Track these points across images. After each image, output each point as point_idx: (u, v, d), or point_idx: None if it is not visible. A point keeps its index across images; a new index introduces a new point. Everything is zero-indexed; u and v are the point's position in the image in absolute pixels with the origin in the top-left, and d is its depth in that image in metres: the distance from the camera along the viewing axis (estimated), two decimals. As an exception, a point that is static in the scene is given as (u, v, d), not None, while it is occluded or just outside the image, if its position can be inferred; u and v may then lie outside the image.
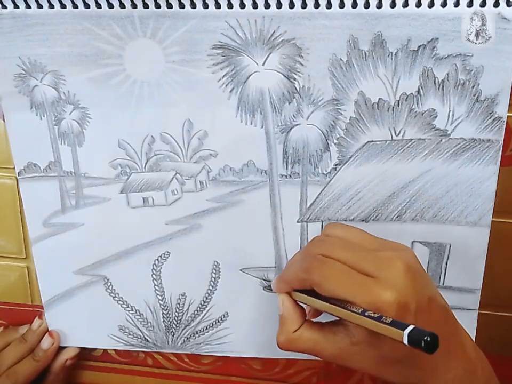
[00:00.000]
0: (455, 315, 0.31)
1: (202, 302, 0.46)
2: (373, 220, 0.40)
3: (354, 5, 0.35)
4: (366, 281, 0.28)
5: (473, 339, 0.41)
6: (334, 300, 0.29)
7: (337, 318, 0.30)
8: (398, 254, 0.29)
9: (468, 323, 0.33)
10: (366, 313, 0.27)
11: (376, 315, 0.26)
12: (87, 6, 0.37)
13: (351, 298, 0.28)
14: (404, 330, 0.25)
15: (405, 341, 0.24)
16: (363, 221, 0.41)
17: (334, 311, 0.29)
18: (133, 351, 0.50)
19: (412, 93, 0.37)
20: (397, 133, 0.39)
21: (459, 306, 0.42)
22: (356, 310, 0.27)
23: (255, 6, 0.36)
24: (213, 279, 0.45)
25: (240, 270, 0.44)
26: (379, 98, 0.38)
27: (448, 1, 0.34)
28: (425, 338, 0.24)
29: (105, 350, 0.51)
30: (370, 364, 0.30)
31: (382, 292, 0.27)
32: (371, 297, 0.27)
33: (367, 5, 0.35)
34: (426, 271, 0.41)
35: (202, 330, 0.47)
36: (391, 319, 0.26)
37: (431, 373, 0.30)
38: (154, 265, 0.45)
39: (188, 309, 0.46)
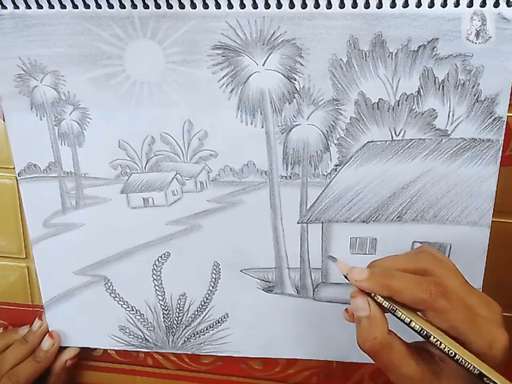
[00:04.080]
0: None
1: (202, 303, 0.46)
2: (373, 220, 0.40)
3: (354, 5, 0.35)
4: (483, 320, 0.29)
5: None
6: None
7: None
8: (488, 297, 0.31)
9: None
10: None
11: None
12: (87, 6, 0.37)
13: (469, 334, 0.28)
14: None
15: None
16: (364, 221, 0.41)
17: (447, 341, 0.28)
18: (133, 351, 0.50)
19: (412, 93, 0.37)
20: (397, 133, 0.39)
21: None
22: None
23: (255, 6, 0.36)
24: (213, 280, 0.45)
25: (240, 270, 0.44)
26: (379, 99, 0.38)
27: (448, 1, 0.34)
28: None
29: (105, 350, 0.51)
30: None
31: (501, 332, 0.28)
32: (489, 336, 0.28)
33: (367, 5, 0.35)
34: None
35: (202, 330, 0.47)
36: None
37: None
38: (154, 266, 0.45)
39: (188, 309, 0.46)
